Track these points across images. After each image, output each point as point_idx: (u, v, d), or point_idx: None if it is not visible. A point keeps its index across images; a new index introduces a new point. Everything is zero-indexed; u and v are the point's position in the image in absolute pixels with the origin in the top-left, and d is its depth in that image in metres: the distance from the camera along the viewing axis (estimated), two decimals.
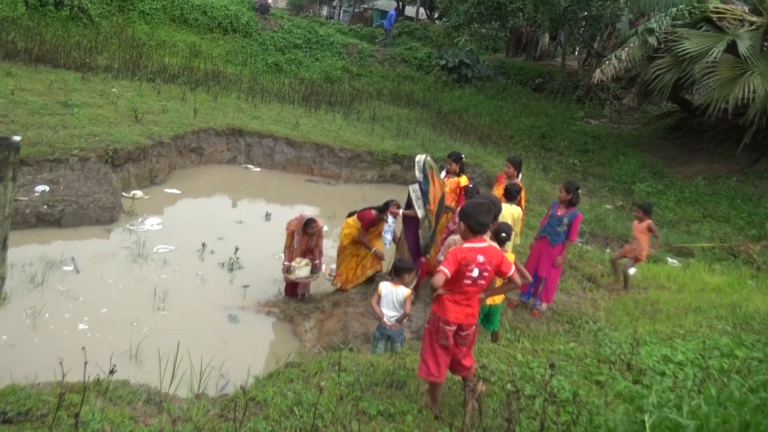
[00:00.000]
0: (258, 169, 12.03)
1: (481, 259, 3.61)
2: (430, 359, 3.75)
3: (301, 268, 6.46)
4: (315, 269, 6.67)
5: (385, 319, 4.95)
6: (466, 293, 3.69)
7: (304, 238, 6.47)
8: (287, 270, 6.51)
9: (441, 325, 3.73)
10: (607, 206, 11.59)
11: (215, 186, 10.92)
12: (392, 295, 4.94)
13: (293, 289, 6.75)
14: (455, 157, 6.88)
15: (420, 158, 6.19)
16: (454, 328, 3.72)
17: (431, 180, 6.04)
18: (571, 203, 6.08)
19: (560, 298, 6.74)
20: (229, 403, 3.86)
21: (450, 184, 6.77)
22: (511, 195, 6.09)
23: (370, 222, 6.52)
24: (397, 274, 4.99)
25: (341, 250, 6.70)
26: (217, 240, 8.06)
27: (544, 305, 6.29)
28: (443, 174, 6.83)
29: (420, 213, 6.08)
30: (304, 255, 6.52)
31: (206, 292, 6.72)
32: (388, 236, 6.59)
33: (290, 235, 6.50)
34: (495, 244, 3.79)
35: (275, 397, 3.89)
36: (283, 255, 6.69)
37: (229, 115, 12.53)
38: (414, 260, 6.17)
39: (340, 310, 6.36)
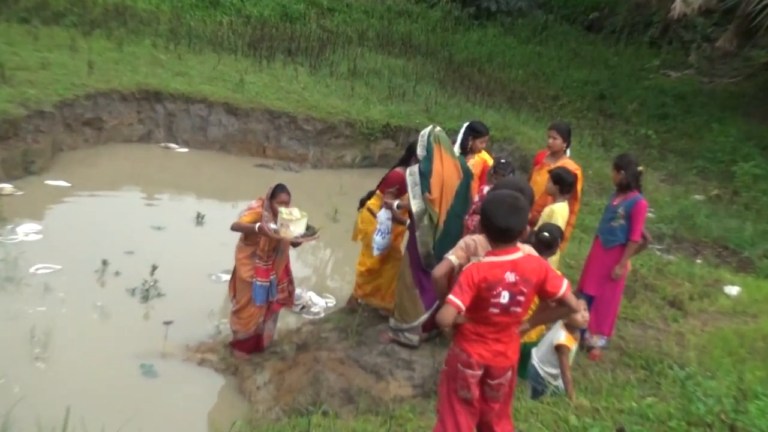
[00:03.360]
0: (185, 150, 11.93)
1: (511, 278, 3.60)
2: (448, 419, 3.78)
3: (296, 222, 6.02)
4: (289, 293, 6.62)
5: None
6: (496, 324, 3.69)
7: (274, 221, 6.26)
8: (274, 222, 6.03)
9: (460, 367, 3.74)
10: (697, 196, 11.63)
11: (121, 175, 10.77)
12: None
13: (255, 343, 6.54)
14: (475, 129, 6.96)
15: (425, 131, 6.20)
16: (478, 373, 3.74)
17: (437, 159, 6.00)
18: (626, 186, 6.09)
19: (631, 332, 6.71)
20: None
21: (474, 165, 6.81)
22: (564, 184, 6.06)
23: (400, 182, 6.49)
24: None
25: (363, 262, 6.83)
26: (124, 255, 7.99)
27: (599, 339, 6.28)
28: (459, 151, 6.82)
29: (414, 205, 6.04)
30: (267, 259, 6.30)
31: (109, 333, 6.65)
32: (379, 239, 6.57)
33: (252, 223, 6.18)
34: (533, 251, 3.77)
35: None
36: (231, 271, 6.55)
37: (140, 71, 12.43)
38: (418, 281, 6.12)
39: (307, 355, 6.32)
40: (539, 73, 17.96)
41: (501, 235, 3.63)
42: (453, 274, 3.84)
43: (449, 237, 5.96)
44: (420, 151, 6.15)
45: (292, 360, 6.38)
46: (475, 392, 3.76)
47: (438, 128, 6.20)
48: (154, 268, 7.39)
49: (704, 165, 13.29)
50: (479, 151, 7.07)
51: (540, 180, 6.64)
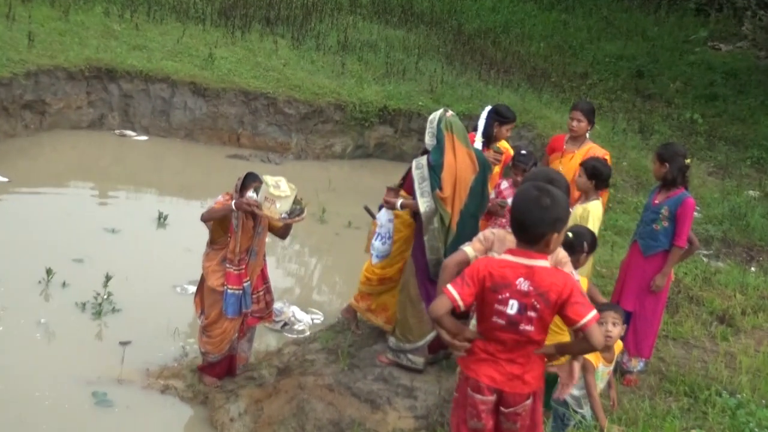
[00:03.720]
0: (143, 138, 11.95)
1: (524, 286, 3.61)
2: None
3: (284, 199, 5.98)
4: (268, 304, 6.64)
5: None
6: (504, 343, 3.71)
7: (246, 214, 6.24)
8: (253, 195, 5.99)
9: (469, 392, 3.79)
10: (751, 192, 11.68)
11: (68, 168, 10.78)
12: None
13: (227, 367, 6.58)
14: (501, 114, 6.98)
15: (434, 115, 6.20)
16: (489, 399, 3.77)
17: (449, 149, 6.02)
18: (671, 181, 6.10)
19: (672, 353, 6.73)
20: None
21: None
22: (601, 178, 6.11)
23: None
24: None
25: (370, 269, 6.71)
26: (72, 263, 8.01)
27: (638, 362, 6.31)
28: (477, 142, 6.84)
29: (422, 204, 6.05)
30: (240, 263, 6.33)
31: (55, 355, 6.64)
32: (379, 244, 6.59)
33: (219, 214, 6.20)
34: (566, 266, 3.83)
35: None
36: (198, 281, 6.58)
37: (90, 44, 12.45)
38: (425, 293, 6.14)
39: (290, 381, 6.33)
40: (565, 46, 18.01)
41: (519, 232, 3.65)
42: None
43: (463, 241, 5.98)
44: (429, 140, 6.13)
45: (272, 387, 6.37)
46: (488, 423, 3.77)
47: (450, 112, 6.17)
48: (108, 278, 7.39)
49: (760, 155, 13.36)
50: (504, 139, 7.12)
51: (564, 171, 6.69)
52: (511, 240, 3.88)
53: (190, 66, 12.50)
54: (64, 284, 7.63)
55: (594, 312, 3.64)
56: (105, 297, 7.36)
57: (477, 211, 6.16)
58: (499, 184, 6.79)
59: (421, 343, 6.23)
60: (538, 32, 18.55)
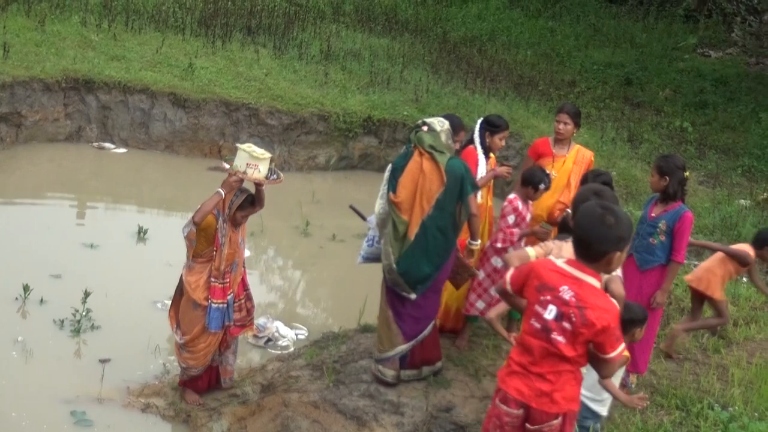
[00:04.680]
0: (122, 151, 11.92)
1: (566, 294, 3.73)
2: None
3: (264, 161, 5.98)
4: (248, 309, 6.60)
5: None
6: (532, 351, 3.83)
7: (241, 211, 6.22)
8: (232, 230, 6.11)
9: (497, 403, 3.99)
10: (742, 201, 11.70)
11: (46, 182, 10.72)
12: None
13: (210, 379, 6.54)
14: (492, 123, 6.98)
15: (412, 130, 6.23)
16: (515, 412, 3.89)
17: (415, 158, 5.96)
18: (670, 195, 6.12)
19: (663, 366, 6.77)
20: None
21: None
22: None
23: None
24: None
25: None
26: (50, 279, 7.99)
27: (633, 378, 6.34)
28: (480, 156, 6.84)
29: (377, 205, 6.10)
30: (225, 277, 6.30)
31: (32, 373, 6.61)
32: (366, 245, 6.59)
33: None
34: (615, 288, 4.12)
35: None
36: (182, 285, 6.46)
37: (67, 54, 12.41)
38: (390, 301, 6.13)
39: (274, 398, 6.31)
40: (552, 53, 18.08)
41: (582, 249, 3.76)
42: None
43: (425, 254, 5.94)
44: (403, 149, 6.22)
45: (256, 404, 6.35)
46: None
47: (425, 127, 6.07)
48: (87, 294, 7.35)
49: (751, 163, 13.39)
50: (499, 149, 7.15)
51: (558, 175, 6.87)
52: (567, 250, 4.06)
53: (170, 76, 12.48)
54: (41, 301, 7.59)
55: (623, 346, 3.78)
56: (84, 314, 7.32)
57: (447, 226, 5.99)
58: (512, 201, 6.67)
59: (390, 354, 6.17)
60: (525, 40, 18.62)
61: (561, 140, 7.04)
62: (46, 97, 11.57)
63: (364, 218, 6.91)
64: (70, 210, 10.11)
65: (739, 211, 11.10)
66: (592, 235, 3.68)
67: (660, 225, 6.10)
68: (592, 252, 3.71)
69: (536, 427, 3.86)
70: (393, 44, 16.57)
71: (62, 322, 7.30)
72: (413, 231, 5.94)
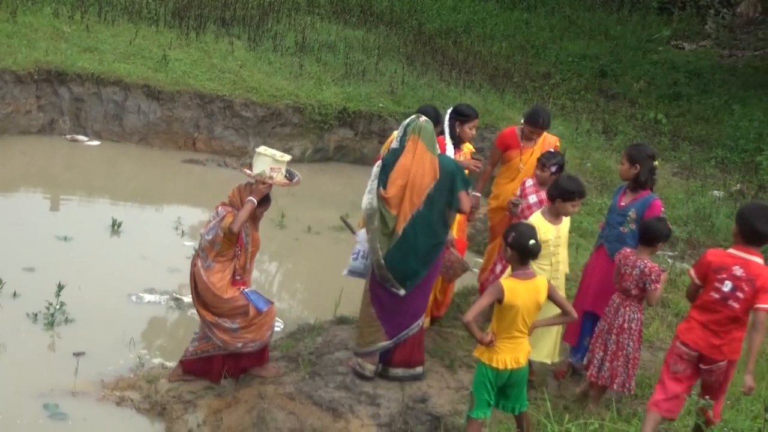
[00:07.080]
0: (96, 143, 11.89)
1: (738, 272, 5.02)
2: (659, 385, 5.37)
3: (284, 163, 6.19)
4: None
5: None
6: (716, 314, 5.10)
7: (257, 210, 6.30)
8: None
9: (678, 343, 5.28)
10: (716, 192, 11.87)
11: (18, 175, 10.69)
12: None
13: (237, 363, 6.48)
14: (460, 112, 7.08)
15: (407, 120, 6.21)
16: (689, 352, 5.19)
17: (409, 152, 5.96)
18: (640, 183, 6.19)
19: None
20: None
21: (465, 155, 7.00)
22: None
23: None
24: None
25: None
26: (23, 272, 7.98)
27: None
28: (448, 145, 6.92)
29: (365, 200, 6.10)
30: (244, 273, 6.39)
31: (5, 367, 6.61)
32: (351, 260, 6.65)
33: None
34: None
35: None
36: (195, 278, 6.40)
37: (39, 46, 12.35)
38: (375, 297, 6.19)
39: (250, 390, 6.33)
40: (527, 45, 18.17)
41: (749, 235, 5.06)
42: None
43: (413, 249, 5.97)
44: (395, 144, 6.19)
45: (232, 396, 6.36)
46: (686, 370, 5.24)
47: (423, 118, 6.12)
48: (61, 287, 7.34)
49: (724, 155, 13.55)
50: (470, 139, 7.16)
51: (526, 166, 7.04)
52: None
53: (144, 68, 12.43)
54: (14, 294, 7.58)
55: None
56: (57, 307, 7.31)
57: (436, 222, 6.03)
58: (524, 182, 6.82)
59: (371, 349, 6.24)
60: (500, 32, 18.69)
61: (526, 138, 7.21)
62: (18, 89, 11.51)
63: (353, 232, 6.93)
64: (43, 202, 10.08)
65: (713, 202, 11.27)
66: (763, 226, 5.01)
67: (630, 214, 6.14)
68: (760, 238, 5.04)
69: (707, 367, 5.14)
70: (368, 36, 16.59)
71: (36, 315, 7.29)
72: (401, 226, 5.96)
